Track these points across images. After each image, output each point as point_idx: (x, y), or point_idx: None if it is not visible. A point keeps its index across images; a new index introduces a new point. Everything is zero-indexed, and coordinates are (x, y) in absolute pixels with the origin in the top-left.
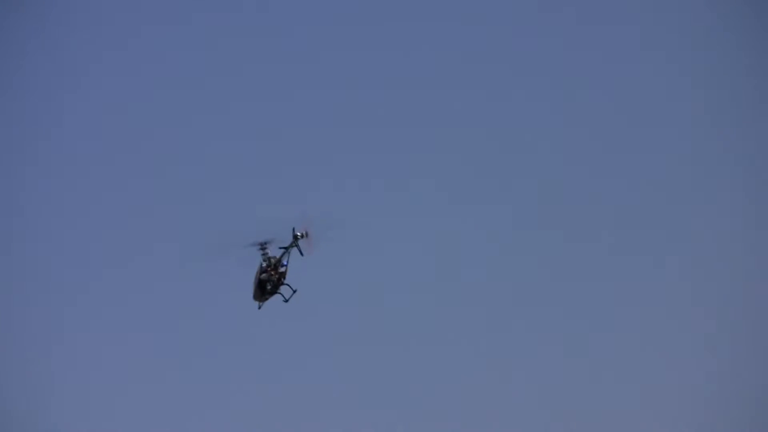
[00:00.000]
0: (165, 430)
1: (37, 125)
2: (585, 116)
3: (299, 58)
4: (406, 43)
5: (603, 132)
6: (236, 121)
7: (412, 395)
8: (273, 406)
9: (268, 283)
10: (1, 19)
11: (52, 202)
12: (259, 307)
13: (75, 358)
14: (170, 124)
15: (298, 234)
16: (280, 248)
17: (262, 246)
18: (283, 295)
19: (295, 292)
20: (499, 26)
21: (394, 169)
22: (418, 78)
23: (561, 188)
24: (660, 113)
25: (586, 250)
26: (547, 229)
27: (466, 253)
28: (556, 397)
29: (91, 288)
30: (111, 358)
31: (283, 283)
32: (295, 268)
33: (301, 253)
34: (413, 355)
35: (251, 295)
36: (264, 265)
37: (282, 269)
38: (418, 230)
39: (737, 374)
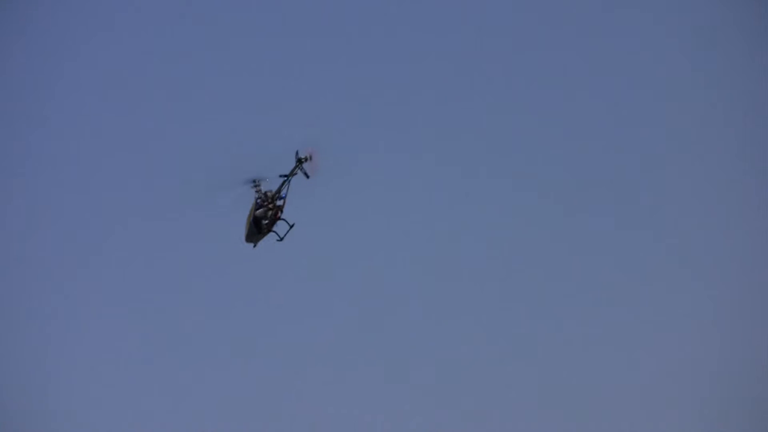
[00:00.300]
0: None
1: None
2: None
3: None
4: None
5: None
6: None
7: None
8: (271, 362)
9: (264, 219)
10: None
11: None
12: (254, 246)
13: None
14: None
15: (302, 157)
16: (281, 176)
17: (255, 183)
18: (277, 234)
19: (292, 226)
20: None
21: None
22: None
23: (564, 181)
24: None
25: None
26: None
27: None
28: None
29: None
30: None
31: (279, 218)
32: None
33: (307, 176)
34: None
35: (243, 238)
36: (259, 200)
37: (279, 202)
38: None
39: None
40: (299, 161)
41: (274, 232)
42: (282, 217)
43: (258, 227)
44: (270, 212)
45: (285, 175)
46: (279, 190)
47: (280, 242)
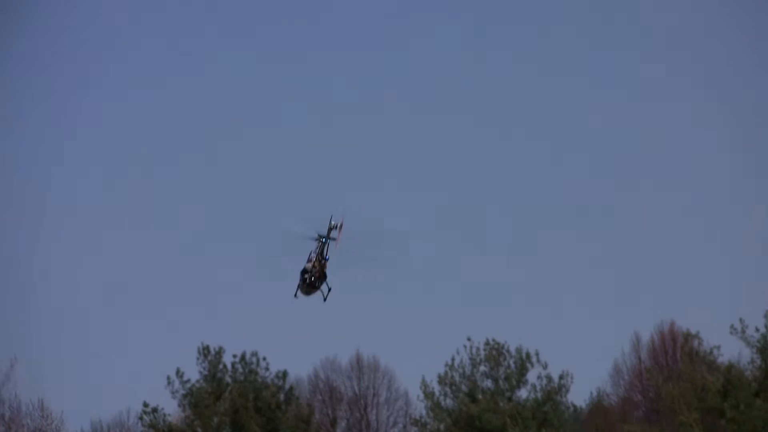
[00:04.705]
0: None
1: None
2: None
3: None
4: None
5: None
6: None
7: None
8: None
9: (310, 272)
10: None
11: None
12: (296, 296)
13: None
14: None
15: (334, 224)
16: (315, 239)
17: (319, 238)
18: (323, 293)
19: (330, 290)
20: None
21: None
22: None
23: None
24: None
25: None
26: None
27: None
28: None
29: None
30: None
31: (324, 276)
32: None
33: (333, 239)
34: None
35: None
36: (312, 256)
37: (323, 261)
38: None
39: None
40: (330, 229)
41: (321, 291)
42: (325, 274)
43: (305, 279)
44: (315, 268)
45: (321, 237)
46: (321, 252)
47: (324, 302)
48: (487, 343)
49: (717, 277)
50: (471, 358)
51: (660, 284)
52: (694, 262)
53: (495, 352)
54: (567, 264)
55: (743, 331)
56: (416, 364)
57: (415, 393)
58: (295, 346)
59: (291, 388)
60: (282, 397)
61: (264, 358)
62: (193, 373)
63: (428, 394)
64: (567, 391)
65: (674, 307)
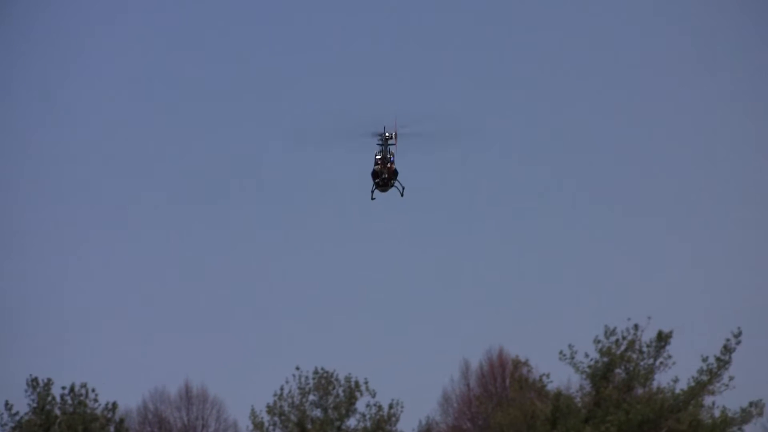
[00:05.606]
0: None
1: None
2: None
3: None
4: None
5: None
6: None
7: None
8: None
9: (381, 174)
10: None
11: None
12: (372, 198)
13: None
14: None
15: (387, 134)
16: (377, 144)
17: (382, 137)
18: (398, 189)
19: (404, 188)
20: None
21: None
22: None
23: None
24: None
25: None
26: None
27: None
28: None
29: None
30: None
31: (394, 179)
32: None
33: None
34: None
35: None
36: (378, 157)
37: (388, 165)
38: None
39: None
40: (385, 140)
41: (396, 188)
42: (396, 179)
43: (377, 180)
44: (384, 172)
45: (385, 138)
46: (384, 155)
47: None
48: (315, 372)
49: (544, 303)
50: (300, 387)
51: (488, 310)
52: (520, 288)
53: (324, 381)
54: (394, 289)
55: (572, 357)
56: (246, 393)
57: (245, 423)
58: (124, 376)
59: (121, 420)
60: (112, 429)
61: (93, 390)
62: (22, 405)
63: (258, 425)
64: (397, 420)
65: (502, 333)
